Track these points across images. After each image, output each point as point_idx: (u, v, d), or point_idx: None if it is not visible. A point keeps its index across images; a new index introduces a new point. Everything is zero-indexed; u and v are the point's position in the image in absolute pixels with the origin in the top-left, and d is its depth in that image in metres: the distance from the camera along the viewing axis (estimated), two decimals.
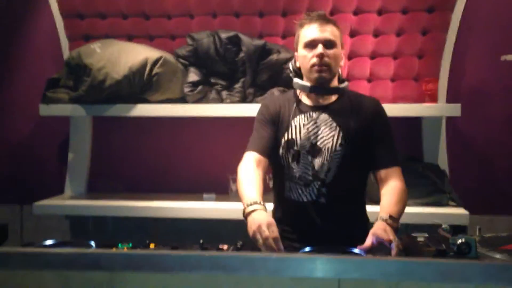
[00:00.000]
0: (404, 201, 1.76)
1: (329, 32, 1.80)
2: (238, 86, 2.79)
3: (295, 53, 1.91)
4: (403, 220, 2.52)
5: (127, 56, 2.75)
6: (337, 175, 1.79)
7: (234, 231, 1.90)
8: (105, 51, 2.77)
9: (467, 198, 2.72)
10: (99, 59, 2.73)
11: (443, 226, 1.59)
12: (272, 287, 1.05)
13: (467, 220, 2.50)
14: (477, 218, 2.69)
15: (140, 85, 2.75)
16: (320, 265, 1.05)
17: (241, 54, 2.76)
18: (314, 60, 1.79)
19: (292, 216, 1.84)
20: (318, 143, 1.80)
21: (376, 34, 2.88)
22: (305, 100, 1.88)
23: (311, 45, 1.80)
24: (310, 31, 1.81)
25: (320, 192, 1.79)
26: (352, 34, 2.90)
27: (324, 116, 1.82)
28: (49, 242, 1.64)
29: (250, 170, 1.77)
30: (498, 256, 1.25)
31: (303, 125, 1.83)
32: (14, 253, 1.11)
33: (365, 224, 1.89)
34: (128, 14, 3.06)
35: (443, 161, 2.80)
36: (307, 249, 1.55)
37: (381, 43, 2.87)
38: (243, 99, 2.78)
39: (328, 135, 1.80)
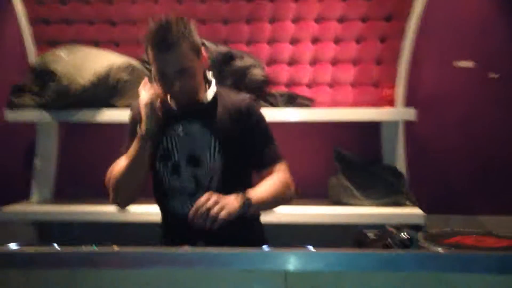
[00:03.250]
0: (278, 189, 1.67)
1: (179, 58, 1.60)
2: None
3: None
4: (362, 220, 2.65)
5: (93, 62, 2.79)
6: (221, 181, 1.71)
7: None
8: (71, 57, 2.80)
9: (424, 199, 2.83)
10: (64, 65, 2.76)
11: (393, 224, 1.68)
12: (224, 280, 1.12)
13: (422, 219, 2.61)
14: (434, 218, 2.81)
15: (106, 91, 2.79)
16: (268, 258, 1.12)
17: None
18: (171, 92, 1.65)
19: (179, 228, 1.71)
20: (196, 153, 1.71)
21: (336, 41, 2.99)
22: (174, 107, 1.73)
23: (163, 77, 1.64)
24: (157, 59, 1.62)
25: None
26: (314, 40, 3.00)
27: (197, 125, 1.72)
28: (13, 245, 1.67)
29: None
30: (439, 249, 1.34)
31: (178, 135, 1.72)
32: None
33: (259, 225, 1.83)
34: (94, 20, 3.10)
35: (401, 164, 2.91)
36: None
37: (341, 49, 2.97)
38: None
39: (204, 144, 1.71)
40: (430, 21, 2.96)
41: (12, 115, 2.87)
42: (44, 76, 2.79)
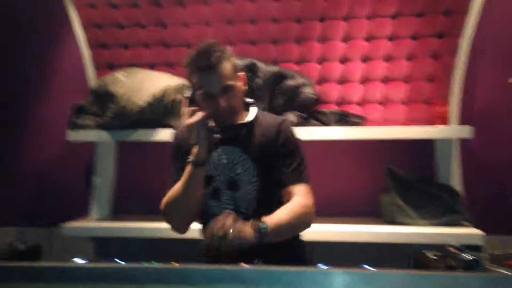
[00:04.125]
0: (297, 214, 1.67)
1: (221, 77, 1.67)
2: None
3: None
4: (418, 239, 2.60)
5: (149, 83, 2.90)
6: (258, 206, 1.74)
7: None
8: (129, 79, 2.92)
9: (482, 219, 2.75)
10: (123, 87, 2.88)
11: (453, 244, 1.66)
12: None
13: (481, 240, 2.52)
14: (492, 239, 2.72)
15: (162, 111, 2.89)
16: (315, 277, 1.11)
17: (258, 80, 2.89)
18: (217, 110, 1.68)
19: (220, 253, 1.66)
20: (236, 177, 1.75)
21: (387, 59, 2.98)
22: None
23: (207, 96, 1.68)
24: (203, 80, 1.67)
25: None
26: (365, 59, 3.01)
27: (236, 149, 1.76)
28: (78, 260, 1.75)
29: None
30: (503, 270, 1.32)
31: (218, 160, 1.77)
32: (44, 268, 1.21)
33: (300, 246, 1.82)
34: (149, 43, 3.22)
35: (456, 182, 2.85)
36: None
37: (392, 67, 2.97)
38: None
39: (243, 168, 1.75)
40: (483, 38, 2.91)
41: (73, 135, 3.01)
42: (104, 97, 2.93)
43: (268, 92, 2.89)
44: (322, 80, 3.05)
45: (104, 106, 2.93)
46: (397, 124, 2.90)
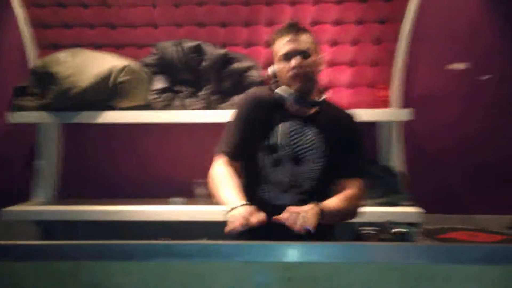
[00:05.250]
0: (350, 205, 1.81)
1: (302, 42, 1.82)
2: (202, 93, 2.91)
3: (275, 65, 1.91)
4: (360, 219, 2.69)
5: (94, 64, 2.84)
6: (316, 183, 1.84)
7: (201, 233, 1.99)
8: (72, 60, 2.85)
9: (421, 198, 2.88)
10: (65, 68, 2.81)
11: (389, 220, 1.74)
12: (225, 271, 1.16)
13: (420, 218, 2.65)
14: (431, 217, 2.86)
15: (106, 93, 2.84)
16: (269, 250, 1.16)
17: (204, 63, 2.88)
18: (291, 72, 1.81)
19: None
20: (300, 153, 1.83)
21: (332, 44, 3.04)
22: (287, 107, 1.87)
23: (286, 58, 1.82)
24: (283, 44, 1.83)
25: (298, 198, 1.82)
26: None
27: (306, 127, 1.85)
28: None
29: (224, 174, 1.79)
30: (430, 241, 1.40)
31: (287, 132, 1.84)
32: None
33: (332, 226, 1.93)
34: (94, 24, 3.14)
35: (397, 164, 2.96)
36: None
37: (337, 52, 3.03)
38: (207, 106, 2.90)
39: (311, 146, 1.84)
40: (424, 24, 3.02)
41: (14, 117, 2.91)
42: (46, 78, 2.84)
43: (215, 74, 2.89)
44: (268, 64, 3.06)
45: (46, 87, 2.85)
46: (342, 107, 2.96)
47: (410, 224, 1.98)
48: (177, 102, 2.90)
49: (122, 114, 2.86)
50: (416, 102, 3.03)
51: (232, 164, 1.85)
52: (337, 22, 3.03)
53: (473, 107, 3.12)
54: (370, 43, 3.01)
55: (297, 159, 1.83)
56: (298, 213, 1.61)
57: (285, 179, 1.83)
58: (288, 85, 1.83)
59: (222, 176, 1.79)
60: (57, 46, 3.12)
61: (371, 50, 3.01)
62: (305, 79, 1.82)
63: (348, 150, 1.86)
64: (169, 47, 2.92)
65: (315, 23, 3.04)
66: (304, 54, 1.81)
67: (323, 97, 1.88)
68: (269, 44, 1.86)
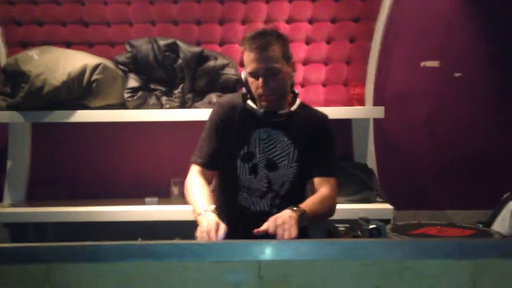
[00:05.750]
0: (325, 206, 1.82)
1: (270, 57, 1.75)
2: (177, 91, 2.88)
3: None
4: (333, 215, 2.72)
5: (66, 62, 2.79)
6: (291, 188, 1.88)
7: (176, 233, 1.98)
8: (43, 58, 2.79)
9: (393, 195, 2.92)
10: (37, 66, 2.75)
11: (361, 216, 1.75)
12: (197, 271, 1.15)
13: (391, 214, 2.69)
14: (402, 213, 2.91)
15: (79, 92, 2.79)
16: (242, 249, 1.16)
17: (179, 61, 2.86)
18: (260, 90, 1.78)
19: (242, 224, 1.81)
20: (275, 159, 1.86)
21: (307, 42, 3.05)
22: (258, 113, 1.85)
23: (254, 75, 1.78)
24: (250, 60, 1.77)
25: (273, 203, 1.87)
26: None
27: (280, 133, 1.86)
28: None
29: (196, 182, 1.81)
30: (400, 237, 1.42)
31: (262, 139, 1.86)
32: None
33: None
34: (66, 21, 3.09)
35: (371, 161, 2.99)
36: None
37: (312, 50, 3.04)
38: (182, 104, 2.88)
39: (284, 152, 1.86)
40: (398, 22, 3.06)
41: None
42: (16, 77, 2.78)
43: (190, 73, 2.87)
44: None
45: (16, 86, 2.79)
46: (317, 105, 2.94)
47: (382, 221, 2.01)
48: (151, 101, 2.87)
49: (96, 113, 2.83)
50: (389, 100, 3.07)
51: (205, 173, 1.86)
52: (312, 20, 3.04)
53: (444, 104, 3.17)
54: (344, 41, 3.03)
55: (272, 166, 1.86)
56: (281, 223, 1.61)
57: (262, 186, 1.87)
58: (257, 100, 1.82)
59: (194, 185, 1.82)
60: (28, 44, 3.06)
61: (345, 48, 3.03)
62: (274, 98, 1.80)
63: (321, 150, 1.89)
64: (143, 45, 2.89)
65: (290, 21, 3.05)
66: (272, 71, 1.76)
67: (295, 105, 1.87)
68: (240, 45, 1.82)
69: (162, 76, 2.91)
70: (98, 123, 2.88)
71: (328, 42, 3.05)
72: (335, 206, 1.89)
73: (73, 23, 3.09)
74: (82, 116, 2.81)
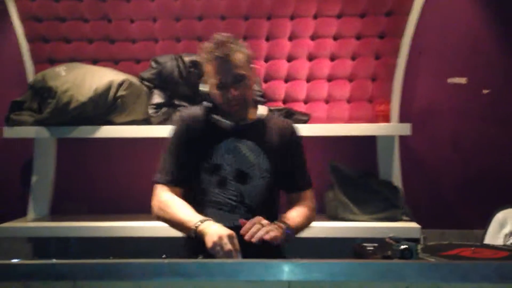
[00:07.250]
0: (308, 217, 1.82)
1: (234, 66, 1.72)
2: None
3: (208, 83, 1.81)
4: (359, 234, 2.67)
5: (92, 79, 2.82)
6: (263, 200, 1.80)
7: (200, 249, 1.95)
8: (70, 74, 2.83)
9: (419, 213, 2.86)
10: (64, 82, 2.79)
11: (390, 235, 1.70)
12: None
13: (418, 233, 2.63)
14: (429, 232, 2.84)
15: (105, 107, 2.82)
16: (272, 268, 1.14)
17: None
18: (229, 99, 1.74)
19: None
20: (243, 170, 1.78)
21: (332, 58, 3.04)
22: (226, 124, 1.82)
23: (219, 88, 1.74)
24: (214, 73, 1.74)
25: (245, 218, 1.70)
26: (310, 58, 3.05)
27: (248, 142, 1.80)
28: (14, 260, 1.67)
29: (172, 198, 1.75)
30: (433, 259, 1.37)
31: (228, 150, 1.79)
32: None
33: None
34: (93, 38, 3.13)
35: (396, 178, 2.94)
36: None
37: (337, 66, 3.03)
38: None
39: (254, 161, 1.79)
40: (424, 39, 3.03)
41: (10, 132, 2.88)
42: (43, 93, 2.82)
43: None
44: (268, 78, 3.07)
45: (43, 102, 2.83)
46: (341, 121, 2.96)
47: (410, 240, 1.96)
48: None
49: (120, 128, 2.84)
50: (415, 116, 3.03)
51: (173, 191, 1.78)
52: (337, 37, 3.03)
53: (470, 121, 3.11)
54: (369, 57, 3.01)
55: (242, 177, 1.79)
56: (267, 225, 1.60)
57: (231, 199, 1.78)
58: (223, 110, 1.79)
59: (170, 200, 1.74)
60: (55, 61, 3.10)
61: (370, 64, 3.01)
62: (242, 106, 1.78)
63: (292, 161, 1.85)
64: (168, 62, 2.91)
65: (315, 37, 3.04)
66: (239, 77, 1.73)
67: (264, 110, 1.86)
68: (199, 58, 1.80)
69: (186, 92, 2.92)
70: (123, 138, 2.90)
71: (353, 58, 3.02)
72: (315, 217, 1.89)
73: (100, 40, 3.13)
74: (107, 131, 2.83)
